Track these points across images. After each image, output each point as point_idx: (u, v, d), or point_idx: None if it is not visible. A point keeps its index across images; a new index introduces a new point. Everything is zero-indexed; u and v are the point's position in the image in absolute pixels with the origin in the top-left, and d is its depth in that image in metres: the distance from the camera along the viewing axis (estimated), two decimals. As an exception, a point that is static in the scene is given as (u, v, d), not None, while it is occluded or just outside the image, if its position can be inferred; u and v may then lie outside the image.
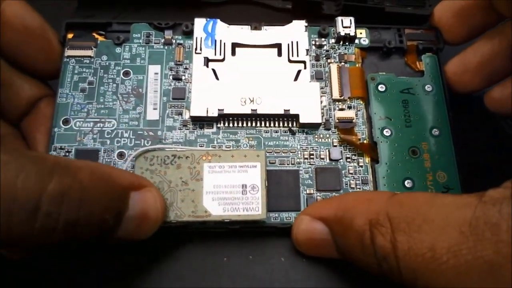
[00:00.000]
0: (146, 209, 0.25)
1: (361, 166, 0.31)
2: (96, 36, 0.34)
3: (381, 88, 0.34)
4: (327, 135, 0.32)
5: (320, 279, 0.29)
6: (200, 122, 0.31)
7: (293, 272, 0.29)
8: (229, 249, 0.30)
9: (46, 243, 0.21)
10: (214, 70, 0.32)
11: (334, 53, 0.34)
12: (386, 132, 0.32)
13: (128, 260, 0.29)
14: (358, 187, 0.31)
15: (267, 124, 0.32)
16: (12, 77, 0.30)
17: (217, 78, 0.32)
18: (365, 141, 0.32)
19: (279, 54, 0.33)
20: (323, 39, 0.35)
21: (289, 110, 0.31)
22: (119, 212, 0.24)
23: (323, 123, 0.32)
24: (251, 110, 0.31)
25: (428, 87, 0.34)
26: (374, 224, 0.22)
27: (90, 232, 0.22)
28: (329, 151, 0.31)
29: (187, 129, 0.31)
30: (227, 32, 0.33)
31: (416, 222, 0.21)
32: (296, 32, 0.33)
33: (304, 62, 0.33)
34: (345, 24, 0.34)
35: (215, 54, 0.32)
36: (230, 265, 0.29)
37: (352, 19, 0.34)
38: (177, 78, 0.33)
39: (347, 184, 0.30)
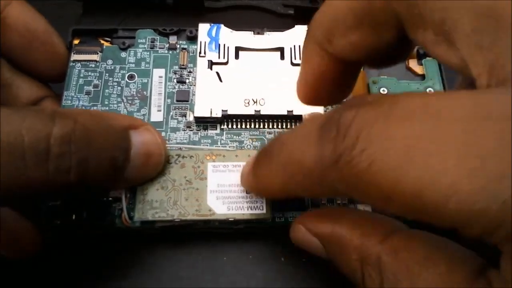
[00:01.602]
0: (148, 145, 0.26)
1: (365, 167, 0.31)
2: (102, 41, 0.34)
3: (383, 91, 0.34)
4: (330, 137, 0.32)
5: (320, 279, 0.29)
6: (204, 123, 0.32)
7: (293, 272, 0.29)
8: (229, 249, 0.30)
9: (64, 184, 0.22)
10: (217, 73, 0.32)
11: (336, 57, 0.35)
12: (389, 134, 0.32)
13: (128, 259, 0.29)
14: (361, 187, 0.30)
15: (271, 125, 0.32)
16: (12, 77, 0.30)
17: (220, 80, 0.32)
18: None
19: (282, 57, 0.33)
20: (325, 43, 0.35)
21: (292, 111, 0.31)
22: (126, 149, 0.24)
23: (326, 125, 0.32)
24: (255, 111, 0.31)
25: (429, 91, 0.34)
26: (365, 264, 0.21)
27: (104, 171, 0.23)
28: (332, 152, 0.31)
29: (191, 130, 0.31)
30: (230, 37, 0.34)
31: (403, 284, 0.19)
32: (298, 36, 0.34)
33: (306, 65, 0.33)
34: (347, 29, 0.35)
35: (219, 57, 0.33)
36: (229, 264, 0.29)
37: (354, 24, 0.35)
38: (181, 81, 0.33)
39: (350, 184, 0.30)
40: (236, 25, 0.34)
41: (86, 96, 0.32)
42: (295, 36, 0.34)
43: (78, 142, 0.22)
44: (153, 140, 0.26)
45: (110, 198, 0.29)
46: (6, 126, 0.20)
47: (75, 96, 0.32)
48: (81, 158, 0.22)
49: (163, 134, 0.31)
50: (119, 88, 0.33)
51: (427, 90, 0.34)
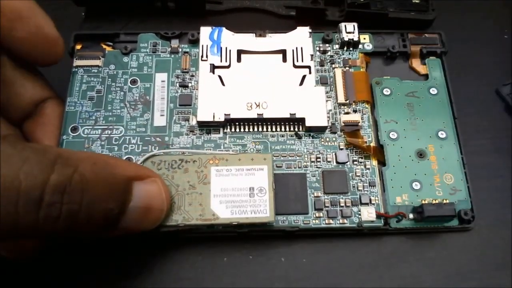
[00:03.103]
0: (150, 199, 0.25)
1: (368, 169, 0.31)
2: (104, 46, 0.34)
3: (386, 92, 0.34)
4: (333, 138, 0.32)
5: (320, 279, 0.29)
6: (207, 127, 0.32)
7: (293, 272, 0.30)
8: (229, 249, 0.30)
9: (51, 232, 0.22)
10: (220, 77, 0.32)
11: (339, 58, 0.35)
12: (392, 135, 0.32)
13: (129, 260, 0.29)
14: (365, 189, 0.30)
15: (273, 129, 0.32)
16: (15, 75, 0.30)
17: (223, 84, 0.32)
18: (371, 144, 0.32)
19: (284, 59, 0.33)
20: (327, 44, 0.35)
21: (295, 114, 0.31)
22: (123, 201, 0.24)
23: (329, 127, 0.32)
24: (257, 114, 0.31)
25: (432, 90, 0.34)
26: None
27: (95, 222, 0.23)
28: (335, 154, 0.31)
29: (194, 135, 0.32)
30: (232, 40, 0.34)
31: None
32: (300, 38, 0.34)
33: (309, 67, 0.33)
34: (349, 30, 0.35)
35: (221, 61, 0.33)
36: (230, 265, 0.30)
37: (356, 24, 0.35)
38: (183, 85, 0.33)
39: (354, 186, 0.30)
40: (237, 28, 0.34)
41: (89, 101, 0.32)
42: (297, 37, 0.34)
43: (71, 193, 0.21)
44: (156, 193, 0.25)
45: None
46: (5, 168, 0.20)
47: (78, 102, 0.32)
48: (71, 209, 0.21)
49: (166, 138, 0.31)
50: (122, 93, 0.33)
51: (431, 89, 0.34)
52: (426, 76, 0.35)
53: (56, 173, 0.21)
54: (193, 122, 0.32)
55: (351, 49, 0.35)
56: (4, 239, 0.24)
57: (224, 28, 0.34)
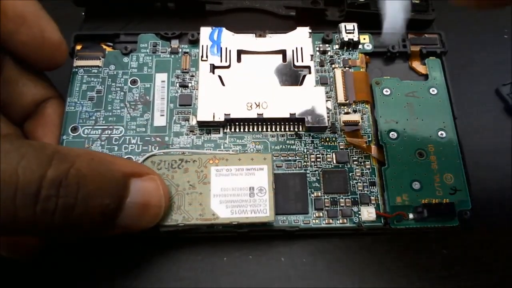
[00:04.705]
0: (147, 195, 0.25)
1: (368, 169, 0.31)
2: (104, 46, 0.34)
3: (386, 92, 0.34)
4: (333, 138, 0.32)
5: (320, 279, 0.29)
6: (207, 127, 0.32)
7: (293, 272, 0.30)
8: (229, 249, 0.30)
9: (49, 226, 0.22)
10: (220, 77, 0.32)
11: (338, 59, 0.35)
12: (392, 135, 0.32)
13: (129, 260, 0.29)
14: (366, 189, 0.30)
15: (273, 129, 0.32)
16: (18, 74, 0.30)
17: (223, 84, 0.32)
18: (371, 144, 0.32)
19: (284, 60, 0.33)
20: (327, 45, 0.35)
21: (295, 114, 0.31)
22: (119, 197, 0.24)
23: (329, 127, 0.32)
24: (257, 114, 0.31)
25: (432, 90, 0.34)
26: None
27: (91, 217, 0.23)
28: (335, 154, 0.31)
29: (194, 135, 0.32)
30: (232, 40, 0.34)
31: None
32: (300, 38, 0.34)
33: (308, 67, 0.33)
34: (349, 30, 0.35)
35: (221, 61, 0.33)
36: (230, 265, 0.30)
37: (355, 25, 0.35)
38: (183, 86, 0.33)
39: (354, 186, 0.30)
40: (237, 28, 0.34)
41: (89, 102, 0.32)
42: (297, 38, 0.34)
43: (67, 187, 0.21)
44: (154, 190, 0.26)
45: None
46: (3, 163, 0.20)
47: (78, 102, 0.32)
48: (67, 202, 0.22)
49: (166, 139, 0.31)
50: (122, 93, 0.33)
51: (431, 89, 0.34)
52: (426, 76, 0.35)
53: (53, 168, 0.21)
54: (193, 122, 0.32)
55: (351, 49, 0.35)
56: (3, 234, 0.24)
57: (224, 28, 0.34)
